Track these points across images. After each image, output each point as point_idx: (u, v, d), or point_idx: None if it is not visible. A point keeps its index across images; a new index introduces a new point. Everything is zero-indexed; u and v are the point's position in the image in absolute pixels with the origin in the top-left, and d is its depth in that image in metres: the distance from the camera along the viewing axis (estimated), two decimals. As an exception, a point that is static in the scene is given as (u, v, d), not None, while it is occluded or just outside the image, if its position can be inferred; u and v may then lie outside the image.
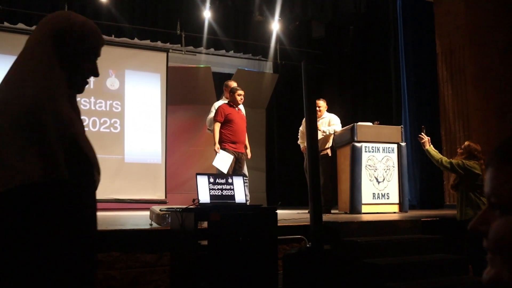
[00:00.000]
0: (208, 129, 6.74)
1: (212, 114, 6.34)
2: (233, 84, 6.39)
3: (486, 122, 6.69)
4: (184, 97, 8.81)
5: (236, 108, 6.15)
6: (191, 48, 8.87)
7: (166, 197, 8.21)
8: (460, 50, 7.29)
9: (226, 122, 5.97)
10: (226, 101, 6.25)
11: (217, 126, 5.94)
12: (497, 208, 0.71)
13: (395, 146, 6.10)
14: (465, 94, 7.20)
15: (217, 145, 5.86)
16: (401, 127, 6.32)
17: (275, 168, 9.83)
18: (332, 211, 6.26)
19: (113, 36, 8.16)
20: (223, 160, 5.84)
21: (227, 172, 5.75)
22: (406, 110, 8.15)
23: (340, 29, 9.01)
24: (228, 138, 5.96)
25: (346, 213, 5.91)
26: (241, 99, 6.13)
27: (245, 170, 6.13)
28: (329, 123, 6.43)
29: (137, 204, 7.87)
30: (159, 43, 8.66)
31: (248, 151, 6.20)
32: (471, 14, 6.88)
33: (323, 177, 6.16)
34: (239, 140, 6.02)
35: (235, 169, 5.95)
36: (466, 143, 4.58)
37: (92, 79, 7.67)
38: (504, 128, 6.57)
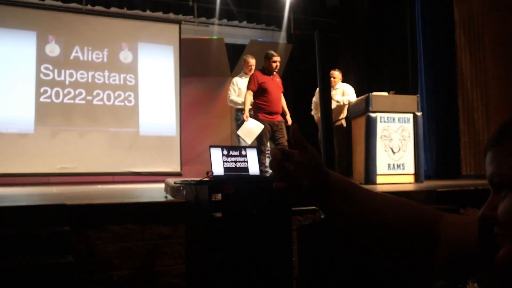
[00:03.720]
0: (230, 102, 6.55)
1: (232, 93, 6.24)
2: (251, 60, 6.30)
3: (504, 91, 6.55)
4: (197, 69, 8.76)
5: (272, 76, 5.87)
6: (203, 19, 8.78)
7: (181, 169, 8.27)
8: (478, 17, 7.09)
9: (260, 91, 5.71)
10: (244, 77, 6.20)
11: (249, 94, 5.70)
12: (502, 188, 0.70)
13: (410, 116, 6.01)
14: (484, 62, 7.03)
15: (246, 113, 5.65)
16: (417, 97, 6.21)
17: (289, 139, 9.81)
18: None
19: (125, 8, 8.11)
20: (249, 130, 5.63)
21: (253, 142, 5.63)
22: (423, 79, 8.00)
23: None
24: (263, 108, 5.73)
25: (361, 183, 5.89)
26: (277, 66, 5.85)
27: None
28: (343, 93, 6.36)
29: (153, 176, 7.94)
30: (171, 15, 8.58)
31: (288, 117, 6.05)
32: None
33: (337, 148, 6.14)
34: (275, 110, 5.80)
35: (275, 139, 5.79)
36: None
37: (105, 53, 7.73)
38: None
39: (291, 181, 0.83)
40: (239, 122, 6.02)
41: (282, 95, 6.00)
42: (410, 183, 5.94)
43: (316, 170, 0.83)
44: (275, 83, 5.87)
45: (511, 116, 0.74)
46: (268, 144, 5.94)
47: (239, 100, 6.08)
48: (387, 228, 0.84)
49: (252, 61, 6.32)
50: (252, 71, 6.15)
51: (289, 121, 6.08)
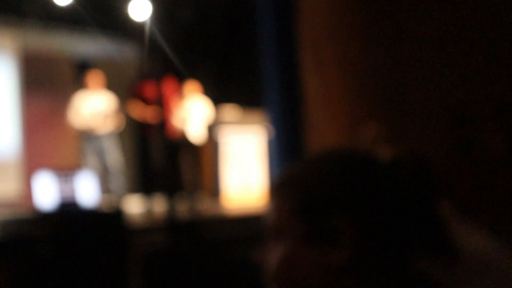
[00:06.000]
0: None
1: (69, 112, 5.72)
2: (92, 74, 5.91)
3: (348, 111, 7.01)
4: (40, 83, 8.07)
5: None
6: (47, 30, 8.14)
7: (24, 194, 7.50)
8: (322, 41, 7.52)
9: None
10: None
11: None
12: (275, 238, 0.70)
13: (259, 131, 6.13)
14: (329, 84, 7.46)
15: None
16: (266, 113, 6.36)
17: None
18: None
19: None
20: None
21: None
22: (273, 99, 8.25)
23: (208, 15, 8.87)
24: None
25: (212, 201, 5.84)
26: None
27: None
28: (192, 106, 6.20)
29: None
30: (10, 24, 7.80)
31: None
32: (332, 8, 7.15)
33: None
34: None
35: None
36: (372, 128, 4.58)
37: None
38: (365, 116, 6.95)
39: None
40: (82, 151, 5.52)
41: None
42: (260, 198, 6.02)
43: None
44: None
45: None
46: None
47: (77, 124, 5.51)
48: None
49: (91, 75, 5.83)
50: (91, 86, 5.75)
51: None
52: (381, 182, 0.69)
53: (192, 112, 6.07)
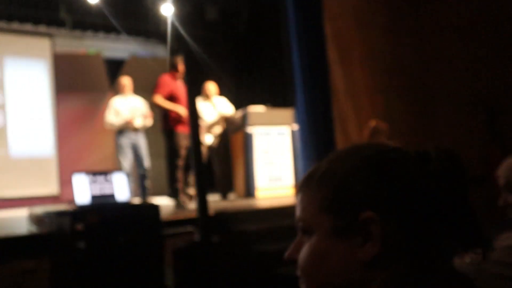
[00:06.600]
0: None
1: (108, 115, 5.92)
2: (123, 80, 6.11)
3: (373, 101, 7.00)
4: (74, 84, 8.32)
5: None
6: (78, 32, 8.38)
7: (60, 191, 7.78)
8: (347, 33, 7.52)
9: (171, 99, 5.43)
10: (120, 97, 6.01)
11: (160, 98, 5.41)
12: (304, 232, 0.71)
13: (287, 129, 6.20)
14: (354, 75, 7.47)
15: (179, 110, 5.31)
16: (293, 110, 6.42)
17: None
18: (230, 197, 6.26)
19: (-13, 20, 7.49)
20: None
21: None
22: (300, 92, 8.30)
23: (234, 12, 8.94)
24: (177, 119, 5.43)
25: (243, 197, 5.94)
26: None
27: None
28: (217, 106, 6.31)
29: (28, 200, 7.39)
30: (42, 28, 8.07)
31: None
32: (357, 2, 7.16)
33: (220, 167, 6.12)
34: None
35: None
36: (373, 122, 4.63)
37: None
38: (389, 106, 6.92)
39: None
40: (119, 144, 5.79)
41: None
42: (290, 195, 6.10)
43: None
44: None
45: (330, 156, 0.74)
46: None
47: (116, 121, 5.79)
48: None
49: (124, 81, 6.08)
50: (126, 90, 6.01)
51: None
52: (410, 176, 0.67)
53: (215, 111, 6.19)
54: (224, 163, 6.15)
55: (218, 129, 6.09)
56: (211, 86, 6.28)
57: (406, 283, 0.65)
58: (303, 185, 0.72)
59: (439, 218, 0.68)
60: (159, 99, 5.31)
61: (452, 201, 0.68)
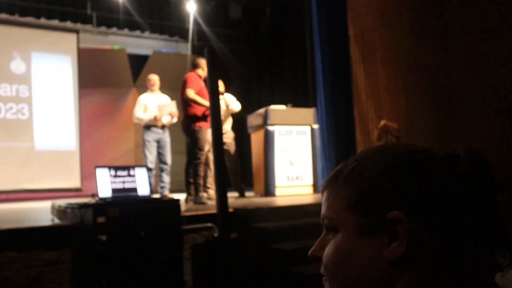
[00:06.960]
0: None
1: (137, 111, 6.01)
2: (153, 77, 6.22)
3: (395, 102, 6.95)
4: (98, 80, 8.46)
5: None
6: (103, 28, 8.50)
7: (82, 184, 7.92)
8: (371, 33, 7.48)
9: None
10: (148, 94, 6.13)
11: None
12: (329, 230, 0.70)
13: (308, 128, 6.19)
14: (376, 75, 7.42)
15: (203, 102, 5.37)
16: (314, 109, 6.42)
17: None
18: (248, 195, 6.28)
19: (16, 15, 7.65)
20: None
21: None
22: (321, 92, 8.29)
23: (257, 10, 8.96)
24: (206, 116, 5.48)
25: (261, 195, 5.96)
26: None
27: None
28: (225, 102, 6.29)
29: (51, 192, 7.53)
30: (68, 24, 8.21)
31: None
32: (380, 2, 7.09)
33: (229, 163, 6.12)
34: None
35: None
36: (383, 122, 4.57)
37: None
38: (412, 108, 6.86)
39: None
40: (146, 139, 5.93)
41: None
42: (309, 194, 6.10)
43: None
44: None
45: (357, 154, 0.74)
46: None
47: (145, 117, 5.94)
48: None
49: (154, 78, 6.21)
50: (156, 87, 6.16)
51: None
52: (439, 177, 0.67)
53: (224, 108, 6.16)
54: (233, 160, 6.09)
55: (227, 126, 6.09)
56: (219, 83, 6.27)
57: (431, 284, 0.64)
58: (330, 183, 0.72)
59: (466, 220, 0.67)
60: (193, 94, 5.36)
61: (481, 204, 0.68)
